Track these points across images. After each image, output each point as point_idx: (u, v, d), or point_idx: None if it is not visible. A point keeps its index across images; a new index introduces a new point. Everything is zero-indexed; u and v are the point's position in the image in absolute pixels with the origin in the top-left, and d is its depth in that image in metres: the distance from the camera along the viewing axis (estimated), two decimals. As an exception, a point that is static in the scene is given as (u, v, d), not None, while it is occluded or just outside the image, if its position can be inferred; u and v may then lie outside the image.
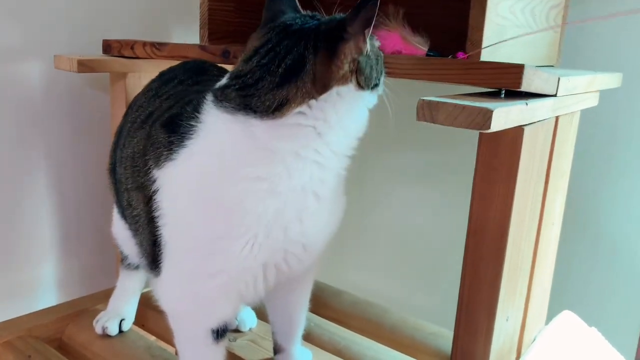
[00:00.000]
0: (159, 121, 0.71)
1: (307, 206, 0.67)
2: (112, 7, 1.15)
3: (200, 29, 1.03)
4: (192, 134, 0.66)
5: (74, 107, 1.14)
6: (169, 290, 0.73)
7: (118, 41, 1.02)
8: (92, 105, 1.17)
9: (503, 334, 0.76)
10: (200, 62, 0.90)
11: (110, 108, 1.08)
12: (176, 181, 0.67)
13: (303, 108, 0.63)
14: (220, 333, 0.74)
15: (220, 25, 1.03)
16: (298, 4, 0.71)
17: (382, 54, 0.70)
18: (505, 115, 0.60)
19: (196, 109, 0.67)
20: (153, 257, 0.72)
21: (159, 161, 0.68)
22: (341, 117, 0.65)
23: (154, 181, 0.68)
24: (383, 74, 0.69)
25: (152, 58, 0.98)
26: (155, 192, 0.68)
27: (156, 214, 0.69)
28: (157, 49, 0.97)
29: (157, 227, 0.69)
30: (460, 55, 0.73)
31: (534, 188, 0.74)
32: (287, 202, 0.66)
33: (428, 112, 0.60)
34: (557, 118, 0.78)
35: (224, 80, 0.68)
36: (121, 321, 0.96)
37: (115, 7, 1.16)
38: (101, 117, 1.17)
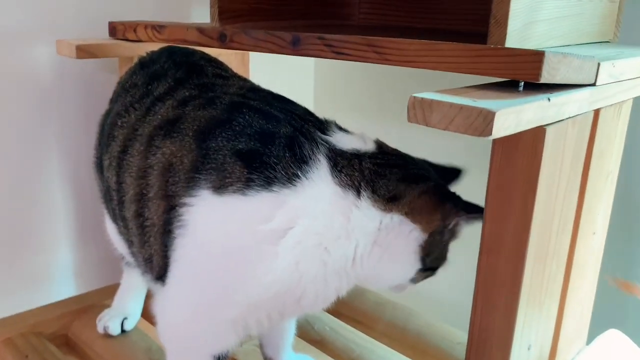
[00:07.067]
0: (228, 148, 0.61)
1: None
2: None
3: (211, 7, 0.94)
4: (288, 185, 0.59)
5: (86, 92, 1.10)
6: (175, 311, 0.66)
7: (122, 23, 0.96)
8: (104, 90, 1.12)
9: (525, 363, 0.66)
10: (185, 53, 0.82)
11: (119, 94, 1.03)
12: (234, 214, 0.60)
13: (402, 215, 0.62)
14: (222, 358, 0.68)
15: (233, 2, 0.94)
16: None
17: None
18: (515, 116, 0.48)
19: (301, 158, 0.60)
20: (162, 270, 0.66)
21: (221, 187, 0.60)
22: (386, 254, 0.64)
23: (195, 197, 0.60)
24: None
25: (153, 41, 0.91)
26: (186, 205, 0.61)
27: (176, 226, 0.62)
28: (158, 31, 0.89)
29: (171, 240, 0.63)
30: None
31: (564, 197, 0.61)
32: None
33: (420, 112, 0.50)
34: (597, 111, 0.64)
35: (354, 145, 0.65)
36: (124, 320, 0.93)
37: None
38: (114, 103, 1.12)
